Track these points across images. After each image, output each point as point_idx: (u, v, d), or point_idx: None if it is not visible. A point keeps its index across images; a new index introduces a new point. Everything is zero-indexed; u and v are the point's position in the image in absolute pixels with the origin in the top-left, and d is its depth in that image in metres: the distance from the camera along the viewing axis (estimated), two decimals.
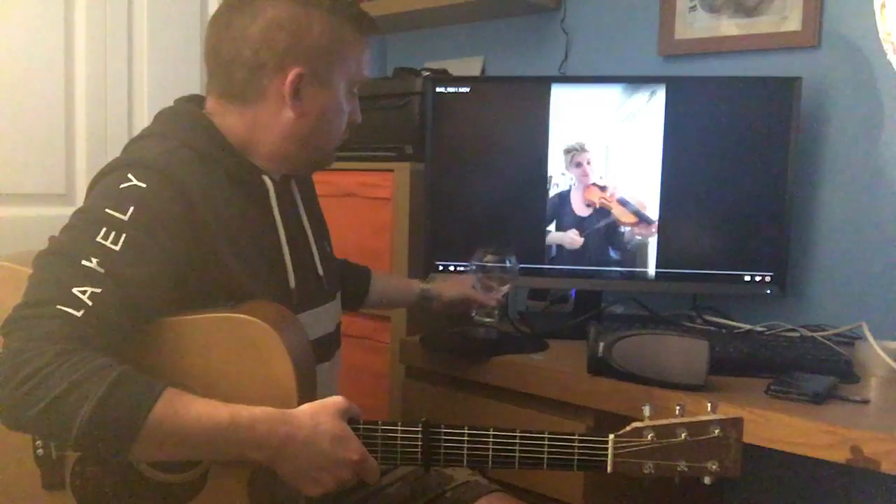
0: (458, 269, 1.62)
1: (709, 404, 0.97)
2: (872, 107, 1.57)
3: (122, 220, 0.94)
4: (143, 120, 1.98)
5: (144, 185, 0.97)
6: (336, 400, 0.98)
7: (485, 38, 2.15)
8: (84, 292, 0.89)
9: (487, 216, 1.65)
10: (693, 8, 1.77)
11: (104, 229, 0.93)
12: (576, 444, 0.97)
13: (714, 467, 0.94)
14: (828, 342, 1.41)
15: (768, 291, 1.57)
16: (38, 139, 1.81)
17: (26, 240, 1.71)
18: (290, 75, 1.06)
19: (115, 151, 1.92)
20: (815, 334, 1.48)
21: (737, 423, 0.95)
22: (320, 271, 1.20)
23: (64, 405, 0.83)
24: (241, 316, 0.98)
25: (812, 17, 1.61)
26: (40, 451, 1.01)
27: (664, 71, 1.81)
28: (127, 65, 1.95)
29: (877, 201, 1.57)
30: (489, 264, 1.42)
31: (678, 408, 0.96)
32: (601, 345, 1.24)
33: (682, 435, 0.94)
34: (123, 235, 0.93)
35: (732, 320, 1.62)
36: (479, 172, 1.65)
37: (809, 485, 1.65)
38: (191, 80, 2.08)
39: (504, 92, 1.65)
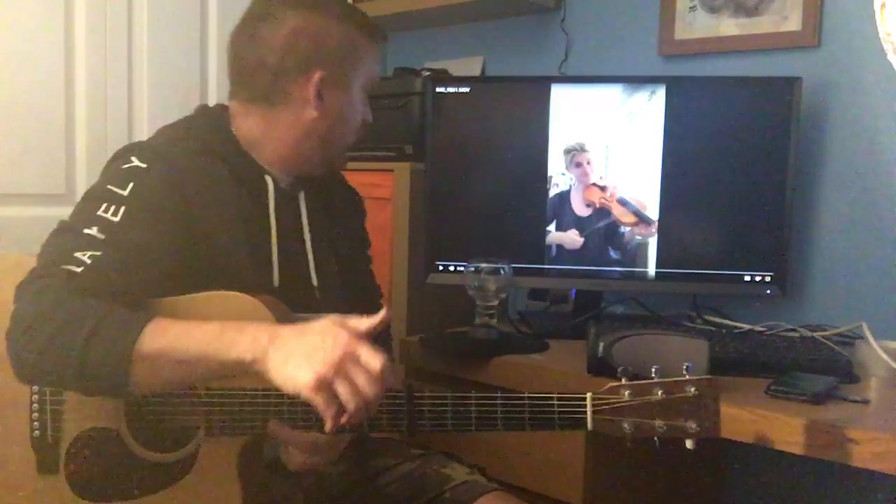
0: (458, 269, 1.62)
1: (685, 366, 0.98)
2: (872, 107, 1.57)
3: (122, 194, 1.02)
4: (143, 120, 1.98)
5: (144, 166, 1.05)
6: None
7: (485, 38, 2.15)
8: (84, 254, 0.96)
9: (487, 216, 1.65)
10: (693, 8, 1.77)
11: (105, 204, 1.01)
12: (555, 402, 0.99)
13: (693, 427, 0.95)
14: (828, 342, 1.41)
15: (768, 291, 1.57)
16: (38, 139, 1.81)
17: (26, 240, 1.72)
18: (315, 78, 1.14)
19: (115, 151, 1.93)
20: (815, 334, 1.48)
21: (712, 382, 0.96)
22: (314, 281, 1.20)
23: (59, 343, 0.89)
24: (232, 293, 1.02)
25: (812, 17, 1.61)
26: (37, 432, 1.02)
27: (664, 71, 1.81)
28: (127, 65, 1.95)
29: (876, 201, 1.57)
30: (484, 272, 1.42)
31: (654, 368, 0.98)
32: (601, 345, 1.24)
33: (659, 393, 0.96)
34: (123, 208, 1.01)
35: (732, 320, 1.62)
36: (479, 172, 1.65)
37: (809, 485, 1.65)
38: (191, 80, 2.08)
39: (504, 92, 1.65)
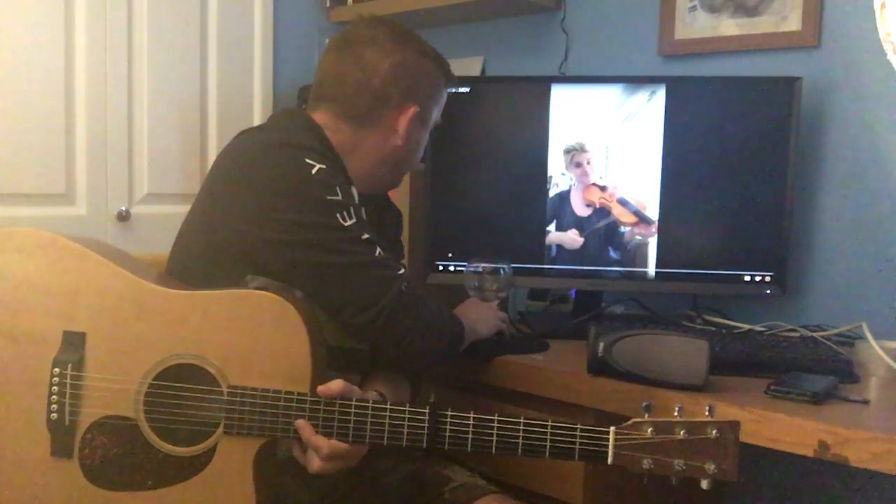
0: (458, 269, 1.62)
1: (707, 407, 0.97)
2: (872, 107, 1.57)
3: (338, 199, 1.11)
4: (143, 120, 1.98)
5: (325, 166, 1.11)
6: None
7: (485, 38, 2.15)
8: (395, 263, 1.18)
9: (487, 216, 1.65)
10: (693, 8, 1.77)
11: (337, 213, 1.10)
12: (578, 434, 0.98)
13: (711, 469, 0.94)
14: (828, 342, 1.41)
15: (768, 291, 1.57)
16: (38, 139, 1.81)
17: None
18: (410, 111, 1.25)
19: (115, 151, 1.94)
20: (815, 334, 1.47)
21: (734, 426, 0.95)
22: None
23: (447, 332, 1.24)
24: (263, 292, 1.04)
25: (812, 17, 1.61)
26: (54, 415, 1.03)
27: (664, 71, 1.81)
28: (127, 65, 1.95)
29: (876, 201, 1.57)
30: (484, 272, 1.42)
31: (677, 408, 0.97)
32: (601, 345, 1.24)
33: (681, 433, 0.95)
34: (346, 210, 1.12)
35: (732, 320, 1.61)
36: (479, 172, 1.65)
37: (809, 485, 1.65)
38: (191, 80, 2.08)
39: (504, 92, 1.65)
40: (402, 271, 1.15)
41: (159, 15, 1.99)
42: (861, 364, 1.32)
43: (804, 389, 1.15)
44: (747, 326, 1.57)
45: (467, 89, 1.63)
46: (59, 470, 1.03)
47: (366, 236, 1.12)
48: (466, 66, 2.15)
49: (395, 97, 1.24)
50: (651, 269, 1.60)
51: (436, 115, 1.33)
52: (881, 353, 1.29)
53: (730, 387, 1.21)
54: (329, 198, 1.09)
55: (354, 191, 1.20)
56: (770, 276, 1.56)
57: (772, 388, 1.17)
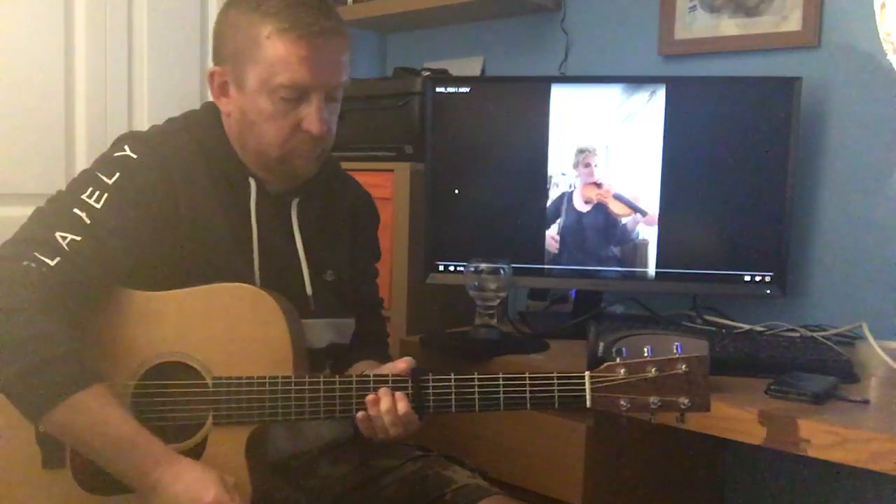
0: (458, 269, 1.62)
1: (675, 345, 1.01)
2: (872, 107, 1.57)
3: (107, 182, 1.05)
4: (143, 120, 1.98)
5: (135, 157, 1.08)
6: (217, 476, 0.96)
7: (485, 38, 2.15)
8: (65, 238, 1.00)
9: (487, 216, 1.65)
10: (693, 8, 1.77)
11: (90, 188, 1.05)
12: (555, 382, 1.02)
13: (685, 402, 0.99)
14: (828, 342, 1.41)
15: (768, 291, 1.57)
16: (38, 139, 1.81)
17: None
18: (214, 72, 1.14)
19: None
20: (815, 334, 1.47)
21: (702, 360, 1.00)
22: (308, 290, 1.19)
23: (8, 352, 0.92)
24: (237, 284, 1.06)
25: (812, 17, 1.61)
26: (42, 427, 1.01)
27: (664, 71, 1.81)
28: (127, 65, 1.95)
29: (876, 201, 1.57)
30: (484, 272, 1.43)
31: (647, 348, 1.01)
32: (601, 345, 1.24)
33: (652, 370, 1.00)
34: (105, 195, 1.04)
35: (732, 320, 1.61)
36: (479, 172, 1.65)
37: (809, 485, 1.65)
38: (191, 80, 2.08)
39: (504, 92, 1.65)
40: (68, 250, 0.99)
41: (159, 15, 1.99)
42: (861, 364, 1.32)
43: (804, 389, 1.15)
44: (747, 326, 1.57)
45: (467, 89, 1.63)
46: (52, 481, 1.02)
47: (85, 219, 1.02)
48: (466, 66, 2.15)
49: (213, 61, 1.16)
50: (651, 269, 1.60)
51: (265, 72, 1.08)
52: (881, 353, 1.29)
53: (730, 387, 1.21)
54: (98, 174, 1.06)
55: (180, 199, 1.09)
56: (770, 276, 1.56)
57: (772, 388, 1.17)
